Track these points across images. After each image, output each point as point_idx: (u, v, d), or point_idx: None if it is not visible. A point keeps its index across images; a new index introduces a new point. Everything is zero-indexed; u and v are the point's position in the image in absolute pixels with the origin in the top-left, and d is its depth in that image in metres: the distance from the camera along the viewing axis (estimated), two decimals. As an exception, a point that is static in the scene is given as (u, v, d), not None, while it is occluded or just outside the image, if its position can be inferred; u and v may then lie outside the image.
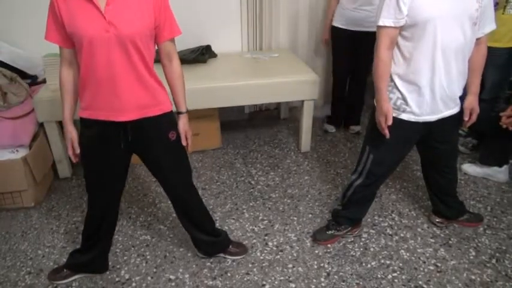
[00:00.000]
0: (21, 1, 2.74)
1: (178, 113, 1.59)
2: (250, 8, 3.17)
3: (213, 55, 3.10)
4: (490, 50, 2.54)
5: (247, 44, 3.32)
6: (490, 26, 1.66)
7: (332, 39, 3.05)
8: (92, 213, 1.70)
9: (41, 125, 2.48)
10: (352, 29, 2.86)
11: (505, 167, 2.52)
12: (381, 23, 1.55)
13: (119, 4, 1.34)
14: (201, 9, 3.10)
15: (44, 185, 2.48)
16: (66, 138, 1.55)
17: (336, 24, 2.93)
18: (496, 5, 2.39)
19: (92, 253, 1.78)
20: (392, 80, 1.66)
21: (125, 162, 1.63)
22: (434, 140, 1.83)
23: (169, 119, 1.58)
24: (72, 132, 1.53)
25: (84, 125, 1.52)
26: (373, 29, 2.90)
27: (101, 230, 1.73)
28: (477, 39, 1.65)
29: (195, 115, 2.80)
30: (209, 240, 1.87)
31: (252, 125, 3.43)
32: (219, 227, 2.04)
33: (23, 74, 2.63)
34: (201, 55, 2.95)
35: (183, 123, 1.60)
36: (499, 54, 2.52)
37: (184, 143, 1.61)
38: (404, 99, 1.64)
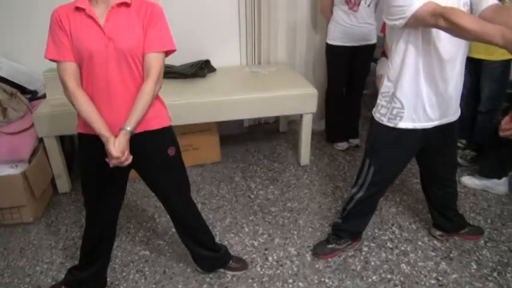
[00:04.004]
0: (21, 17, 2.77)
1: (121, 128, 1.41)
2: (248, 23, 3.21)
3: (212, 69, 3.12)
4: (485, 63, 2.59)
5: (246, 59, 3.35)
6: (489, 1, 1.43)
7: (329, 56, 3.06)
8: (90, 230, 1.69)
9: (40, 140, 2.48)
10: (352, 44, 2.89)
11: (504, 179, 2.52)
12: (418, 5, 1.38)
13: (117, 20, 1.38)
14: (200, 24, 3.13)
15: (43, 200, 2.47)
16: (116, 149, 1.38)
17: (334, 42, 2.93)
18: None
19: (91, 269, 1.76)
20: (387, 89, 1.67)
21: (124, 177, 1.63)
22: (433, 151, 1.83)
23: (168, 134, 1.59)
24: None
25: (83, 141, 1.53)
26: (372, 42, 2.98)
27: (100, 246, 1.72)
28: (486, 10, 1.42)
29: (195, 129, 2.83)
30: (209, 255, 1.86)
31: (251, 138, 3.44)
32: (219, 242, 2.03)
33: (23, 89, 2.65)
34: (200, 69, 2.98)
35: (119, 142, 1.39)
36: (494, 67, 2.55)
37: (115, 162, 1.39)
38: (401, 106, 1.64)
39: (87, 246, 1.72)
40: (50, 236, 2.25)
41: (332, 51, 2.99)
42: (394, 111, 1.66)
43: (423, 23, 1.44)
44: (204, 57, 3.12)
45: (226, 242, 2.15)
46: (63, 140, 2.63)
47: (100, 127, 1.39)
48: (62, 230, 2.29)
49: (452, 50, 1.54)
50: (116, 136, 1.40)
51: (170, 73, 2.85)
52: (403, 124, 1.66)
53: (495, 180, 2.52)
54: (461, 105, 1.77)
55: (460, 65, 1.60)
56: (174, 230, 1.85)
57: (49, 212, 2.45)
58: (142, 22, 1.41)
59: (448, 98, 1.63)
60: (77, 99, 1.40)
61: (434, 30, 1.47)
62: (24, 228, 2.31)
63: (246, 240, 2.19)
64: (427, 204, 2.12)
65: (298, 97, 2.75)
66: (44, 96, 2.60)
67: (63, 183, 2.62)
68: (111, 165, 1.40)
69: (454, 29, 1.32)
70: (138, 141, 1.47)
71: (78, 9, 1.37)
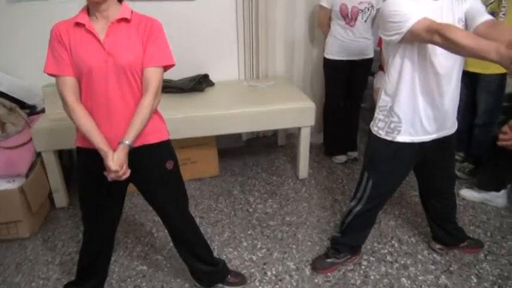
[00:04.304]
0: (21, 32, 2.80)
1: (120, 142, 1.41)
2: (246, 38, 3.24)
3: (211, 84, 3.14)
4: (481, 76, 2.62)
5: (244, 73, 3.37)
6: (484, 17, 1.47)
7: (326, 70, 3.09)
8: (88, 244, 1.68)
9: (38, 155, 2.47)
10: (349, 58, 2.92)
11: (503, 192, 2.52)
12: (413, 21, 1.41)
13: (117, 35, 1.40)
14: (199, 39, 3.17)
15: (39, 215, 2.45)
16: (115, 164, 1.38)
17: (332, 57, 2.97)
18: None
19: (87, 285, 1.74)
20: (385, 103, 1.68)
21: (122, 191, 1.62)
22: (431, 165, 1.83)
23: (166, 148, 1.59)
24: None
25: (82, 155, 1.53)
26: (370, 56, 3.01)
27: (97, 260, 1.70)
28: (480, 26, 1.45)
29: (193, 143, 2.83)
30: (207, 270, 1.84)
31: (249, 152, 3.44)
32: (217, 256, 2.01)
33: (22, 104, 2.65)
34: (198, 84, 3.00)
35: (117, 156, 1.39)
36: (489, 81, 2.57)
37: (113, 176, 1.40)
38: (398, 120, 1.65)
39: (85, 261, 1.70)
40: (47, 251, 2.23)
41: (330, 65, 3.02)
42: (392, 125, 1.67)
43: (419, 39, 1.46)
44: (202, 72, 3.15)
45: (224, 257, 2.13)
46: (61, 154, 2.63)
47: (99, 141, 1.40)
48: (58, 245, 2.27)
49: (448, 65, 1.56)
50: (114, 150, 1.41)
51: (168, 87, 2.87)
52: (401, 138, 1.67)
53: (494, 193, 2.52)
54: (458, 118, 1.78)
55: (456, 79, 1.62)
56: (172, 244, 1.83)
57: (46, 227, 2.43)
58: (142, 38, 1.43)
59: (444, 112, 1.65)
60: (76, 113, 1.41)
61: (430, 46, 1.49)
62: (21, 243, 2.29)
63: (245, 254, 2.17)
64: (426, 217, 2.11)
65: (296, 111, 2.77)
66: (42, 110, 2.60)
67: (61, 198, 2.61)
68: (109, 179, 1.40)
69: (449, 45, 1.33)
70: (137, 155, 1.47)
71: (78, 24, 1.39)
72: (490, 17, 1.47)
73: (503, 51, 1.14)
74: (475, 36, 1.32)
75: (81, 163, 1.55)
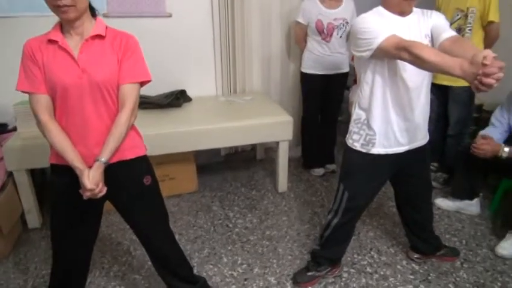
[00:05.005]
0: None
1: (96, 160, 1.39)
2: (223, 53, 3.26)
3: (188, 99, 3.14)
4: (451, 88, 2.72)
5: (222, 88, 3.38)
6: (448, 33, 1.52)
7: (303, 84, 3.15)
8: (58, 267, 1.60)
9: (10, 174, 2.40)
10: (325, 73, 2.98)
11: (476, 200, 2.59)
12: (382, 38, 1.48)
13: (92, 52, 1.38)
14: (176, 54, 3.17)
15: (11, 237, 2.36)
16: (90, 182, 1.35)
17: (308, 71, 3.03)
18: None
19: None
20: (359, 116, 1.73)
21: (99, 209, 1.58)
22: (407, 175, 1.87)
23: (143, 163, 1.57)
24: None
25: (56, 172, 1.48)
26: (345, 70, 3.09)
27: (70, 285, 1.63)
28: (445, 41, 1.51)
29: (171, 159, 2.80)
30: (187, 288, 1.80)
31: (228, 167, 3.43)
32: (197, 274, 1.98)
33: (-8, 123, 2.58)
34: (175, 99, 2.99)
35: (93, 174, 1.36)
36: (459, 93, 2.67)
37: (89, 194, 1.37)
38: (373, 133, 1.69)
39: (55, 285, 1.63)
40: (19, 274, 2.14)
41: (306, 80, 3.07)
42: (367, 138, 1.71)
43: (388, 55, 1.51)
44: (179, 88, 3.14)
45: (204, 274, 2.10)
46: (33, 173, 2.55)
47: (73, 159, 1.37)
48: (31, 268, 2.18)
49: (417, 80, 1.62)
50: (90, 167, 1.38)
51: (146, 103, 2.85)
52: (376, 150, 1.71)
53: (467, 202, 2.59)
54: (430, 129, 1.84)
55: (426, 93, 1.69)
56: (150, 263, 1.79)
57: (18, 250, 2.34)
58: (117, 54, 1.42)
59: (416, 124, 1.70)
60: (50, 131, 1.38)
61: (400, 62, 1.54)
62: (-9, 267, 2.19)
63: (225, 270, 2.14)
64: (403, 227, 2.15)
65: (274, 125, 2.79)
66: (14, 129, 2.53)
67: (34, 219, 2.52)
68: (85, 197, 1.37)
69: (417, 61, 1.39)
70: (113, 171, 1.44)
71: (50, 41, 1.36)
72: (454, 33, 1.53)
73: (466, 67, 1.19)
74: (440, 53, 1.37)
75: (55, 180, 1.50)
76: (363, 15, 1.60)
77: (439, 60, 1.30)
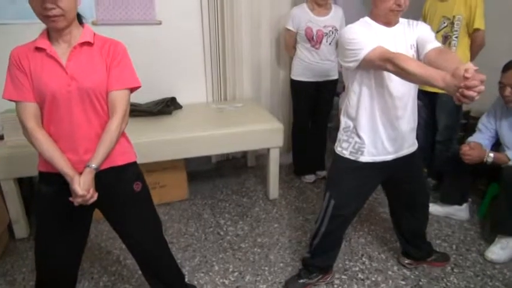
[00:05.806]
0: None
1: (86, 165, 1.38)
2: (214, 60, 3.27)
3: (178, 107, 3.13)
4: (439, 96, 2.75)
5: (212, 95, 3.39)
6: (433, 44, 1.56)
7: (293, 91, 3.16)
8: (45, 278, 1.55)
9: (-4, 184, 2.36)
10: (315, 80, 3.00)
11: (465, 205, 2.61)
12: (368, 50, 1.51)
13: (80, 59, 1.38)
14: (166, 62, 3.17)
15: (-3, 248, 2.31)
16: (81, 188, 1.34)
17: (298, 78, 3.05)
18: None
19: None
20: (347, 124, 1.74)
21: (87, 218, 1.56)
22: (399, 181, 1.89)
23: (134, 170, 1.56)
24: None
25: (44, 180, 1.46)
26: (334, 77, 3.11)
27: None
28: (430, 52, 1.53)
29: (162, 167, 2.79)
30: (178, 297, 1.78)
31: (219, 174, 3.42)
32: (188, 282, 1.96)
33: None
34: (166, 107, 2.98)
35: (84, 180, 1.35)
36: (447, 100, 2.70)
37: (80, 200, 1.36)
38: (362, 141, 1.71)
39: None
40: (6, 285, 2.09)
41: (296, 87, 3.09)
42: (356, 146, 1.72)
43: (373, 66, 1.54)
44: (170, 95, 3.14)
45: (196, 282, 2.08)
46: (21, 182, 2.52)
47: (63, 166, 1.35)
48: (18, 279, 2.14)
49: (403, 90, 1.65)
50: (80, 173, 1.36)
51: (136, 111, 2.83)
52: (364, 158, 1.73)
53: (456, 207, 2.61)
54: (419, 135, 1.86)
55: (412, 103, 1.72)
56: (140, 272, 1.77)
57: (4, 260, 2.29)
58: (105, 61, 1.41)
59: (403, 133, 1.73)
60: (37, 139, 1.36)
61: (386, 72, 1.57)
62: (-24, 279, 2.15)
63: (217, 279, 2.12)
64: (395, 233, 2.15)
65: (265, 132, 2.79)
66: (1, 137, 2.50)
67: (21, 229, 2.48)
68: (76, 204, 1.35)
69: (401, 73, 1.42)
70: (103, 178, 1.43)
71: (38, 49, 1.35)
72: (438, 44, 1.57)
73: (448, 79, 1.22)
74: (424, 65, 1.40)
75: (43, 189, 1.48)
76: (350, 26, 1.63)
77: (423, 72, 1.33)
